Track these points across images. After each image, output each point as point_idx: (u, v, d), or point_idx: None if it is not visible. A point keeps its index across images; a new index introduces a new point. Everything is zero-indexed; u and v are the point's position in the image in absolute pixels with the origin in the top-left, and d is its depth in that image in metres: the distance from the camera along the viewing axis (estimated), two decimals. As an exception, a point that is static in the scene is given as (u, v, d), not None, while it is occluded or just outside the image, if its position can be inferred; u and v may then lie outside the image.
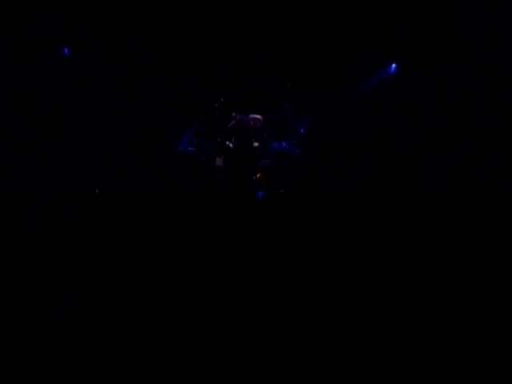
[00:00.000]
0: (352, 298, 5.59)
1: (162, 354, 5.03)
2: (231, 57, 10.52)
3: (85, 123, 10.00)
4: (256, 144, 10.02)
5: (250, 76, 10.57)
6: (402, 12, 9.60)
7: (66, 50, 10.05)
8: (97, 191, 8.68)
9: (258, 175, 9.72)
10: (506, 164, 8.94)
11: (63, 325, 5.36)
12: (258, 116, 9.96)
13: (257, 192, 9.49)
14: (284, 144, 9.89)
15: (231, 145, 9.85)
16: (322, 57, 10.40)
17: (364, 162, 9.86)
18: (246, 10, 10.27)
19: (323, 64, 10.34)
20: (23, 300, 5.78)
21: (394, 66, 10.46)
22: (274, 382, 4.29)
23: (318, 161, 10.01)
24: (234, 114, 10.00)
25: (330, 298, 5.55)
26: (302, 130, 10.02)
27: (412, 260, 6.56)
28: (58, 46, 9.98)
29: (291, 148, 9.86)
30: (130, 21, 10.16)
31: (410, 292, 5.35)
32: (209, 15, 10.25)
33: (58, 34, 9.75)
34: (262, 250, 7.27)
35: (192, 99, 10.21)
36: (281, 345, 4.80)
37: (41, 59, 9.73)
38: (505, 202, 8.06)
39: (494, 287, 5.34)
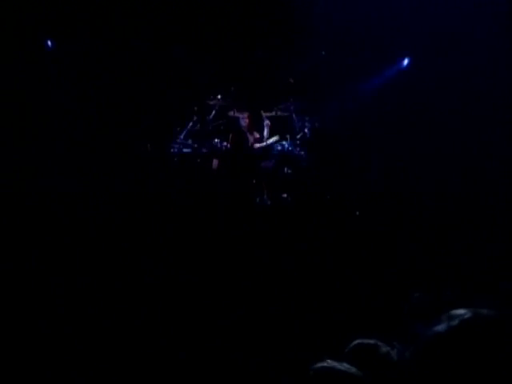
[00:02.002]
0: (351, 301, 5.55)
1: (161, 354, 5.01)
2: (229, 50, 10.44)
3: (71, 121, 9.96)
4: (256, 145, 9.95)
5: (250, 71, 10.49)
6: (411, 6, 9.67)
7: (49, 43, 10.04)
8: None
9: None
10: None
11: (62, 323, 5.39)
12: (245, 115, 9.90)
13: (257, 197, 9.40)
14: (287, 145, 9.80)
15: (228, 145, 9.79)
16: (327, 51, 10.35)
17: (373, 164, 9.76)
18: (246, 4, 10.26)
19: (329, 59, 10.28)
20: (23, 298, 5.84)
21: (405, 60, 10.38)
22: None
23: (323, 163, 9.89)
24: (231, 112, 9.98)
25: (330, 302, 5.52)
26: (306, 130, 9.96)
27: (418, 264, 6.53)
28: (41, 38, 9.99)
29: (294, 149, 9.77)
30: (122, 13, 10.14)
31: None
32: (206, 8, 10.23)
33: (41, 26, 9.76)
34: (262, 257, 7.22)
35: (186, 96, 10.14)
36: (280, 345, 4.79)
37: (24, 52, 9.73)
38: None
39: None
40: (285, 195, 9.43)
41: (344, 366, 2.75)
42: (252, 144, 9.91)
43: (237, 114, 9.87)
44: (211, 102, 9.82)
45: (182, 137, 9.72)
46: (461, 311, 2.22)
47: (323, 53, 10.38)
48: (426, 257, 6.70)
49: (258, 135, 10.00)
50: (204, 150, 9.70)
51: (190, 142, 9.74)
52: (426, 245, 7.21)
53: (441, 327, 2.32)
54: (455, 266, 6.23)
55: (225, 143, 9.72)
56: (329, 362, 2.79)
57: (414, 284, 5.63)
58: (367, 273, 6.47)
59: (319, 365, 2.80)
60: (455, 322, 2.19)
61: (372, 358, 3.04)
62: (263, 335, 5.18)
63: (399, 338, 3.52)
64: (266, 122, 9.94)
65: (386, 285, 5.86)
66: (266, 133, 9.91)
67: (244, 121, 9.88)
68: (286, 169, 9.75)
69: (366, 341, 3.23)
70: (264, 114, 9.97)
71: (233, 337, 5.33)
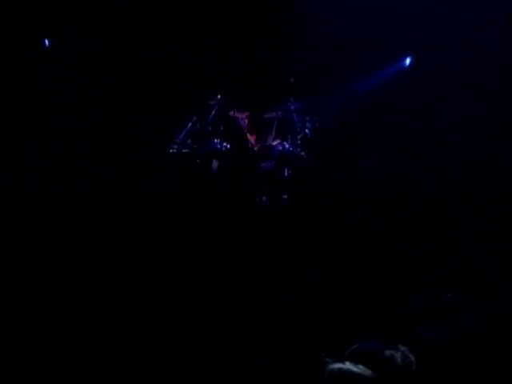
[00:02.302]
0: (352, 302, 5.52)
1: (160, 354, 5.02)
2: (229, 50, 10.42)
3: (68, 121, 9.94)
4: (256, 145, 9.92)
5: (250, 70, 10.46)
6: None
7: (46, 42, 10.03)
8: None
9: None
10: None
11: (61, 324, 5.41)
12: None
13: (257, 198, 9.37)
14: (287, 145, 9.75)
15: (228, 146, 9.69)
16: (328, 49, 10.33)
17: (375, 164, 9.72)
18: (245, 3, 10.25)
19: (330, 57, 10.26)
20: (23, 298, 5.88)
21: (407, 59, 10.34)
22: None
23: (324, 164, 9.86)
24: (232, 112, 9.92)
25: (330, 304, 5.52)
26: (306, 130, 9.93)
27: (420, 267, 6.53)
28: (38, 37, 9.99)
29: (295, 149, 9.74)
30: (121, 12, 10.13)
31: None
32: (205, 7, 10.22)
33: (39, 25, 9.76)
34: (262, 259, 7.21)
35: (186, 96, 10.11)
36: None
37: (21, 52, 9.74)
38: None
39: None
40: (285, 196, 9.38)
41: (359, 368, 2.72)
42: (252, 144, 9.87)
43: (237, 114, 9.83)
44: (211, 102, 9.79)
45: (181, 137, 9.67)
46: (472, 317, 2.23)
47: (324, 52, 10.35)
48: (428, 258, 6.67)
49: (258, 135, 9.96)
50: (203, 151, 9.66)
51: (189, 142, 9.70)
52: (428, 246, 7.19)
53: (453, 332, 2.32)
54: (456, 267, 6.21)
55: (224, 144, 9.67)
56: (346, 364, 2.77)
57: (415, 285, 5.61)
58: (368, 273, 6.46)
59: (335, 366, 2.77)
60: (469, 326, 2.19)
61: (375, 362, 3.00)
62: (263, 336, 5.16)
63: (402, 340, 3.48)
64: (275, 141, 9.89)
65: (388, 286, 5.83)
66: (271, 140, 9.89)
67: (244, 121, 9.85)
68: (286, 170, 9.70)
69: (367, 343, 3.19)
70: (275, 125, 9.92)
71: (233, 337, 5.31)
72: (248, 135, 9.89)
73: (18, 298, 6.00)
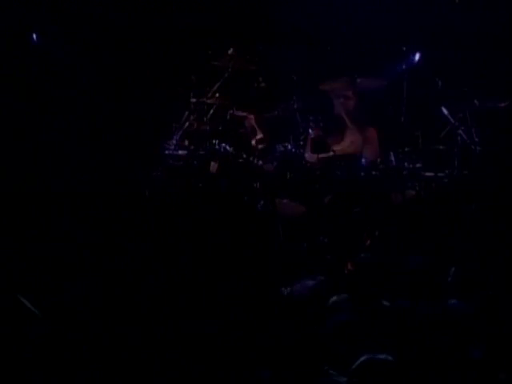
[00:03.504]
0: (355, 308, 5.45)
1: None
2: (229, 48, 10.38)
3: (60, 121, 9.97)
4: (257, 146, 9.86)
5: (250, 68, 10.40)
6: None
7: (34, 37, 10.04)
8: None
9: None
10: None
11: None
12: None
13: (258, 202, 9.30)
14: (289, 146, 9.68)
15: (228, 147, 9.62)
16: (333, 46, 10.30)
17: (381, 165, 9.64)
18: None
19: (334, 53, 10.23)
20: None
21: (417, 55, 10.26)
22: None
23: (328, 165, 9.77)
24: (231, 111, 9.78)
25: (332, 309, 5.45)
26: (310, 131, 9.84)
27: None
28: (26, 32, 10.00)
29: (298, 151, 9.66)
30: (116, 7, 10.19)
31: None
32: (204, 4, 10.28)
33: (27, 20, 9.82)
34: (263, 263, 7.15)
35: (182, 93, 10.01)
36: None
37: (9, 48, 9.78)
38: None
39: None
40: (285, 201, 9.29)
41: None
42: (254, 146, 9.80)
43: (236, 114, 9.78)
44: (209, 101, 9.70)
45: (177, 137, 9.61)
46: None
47: (328, 49, 10.33)
48: (432, 265, 6.59)
49: (259, 136, 9.90)
50: (201, 152, 9.57)
51: (186, 143, 9.62)
52: (432, 252, 7.12)
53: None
54: (461, 274, 6.13)
55: (223, 144, 9.59)
56: None
57: (419, 293, 5.52)
58: (370, 278, 6.38)
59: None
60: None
61: (384, 376, 2.86)
62: (262, 345, 5.06)
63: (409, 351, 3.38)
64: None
65: (391, 292, 5.74)
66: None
67: (250, 121, 9.82)
68: (288, 172, 9.62)
69: (376, 356, 3.06)
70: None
71: (230, 346, 5.21)
72: (249, 136, 9.85)
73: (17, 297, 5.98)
